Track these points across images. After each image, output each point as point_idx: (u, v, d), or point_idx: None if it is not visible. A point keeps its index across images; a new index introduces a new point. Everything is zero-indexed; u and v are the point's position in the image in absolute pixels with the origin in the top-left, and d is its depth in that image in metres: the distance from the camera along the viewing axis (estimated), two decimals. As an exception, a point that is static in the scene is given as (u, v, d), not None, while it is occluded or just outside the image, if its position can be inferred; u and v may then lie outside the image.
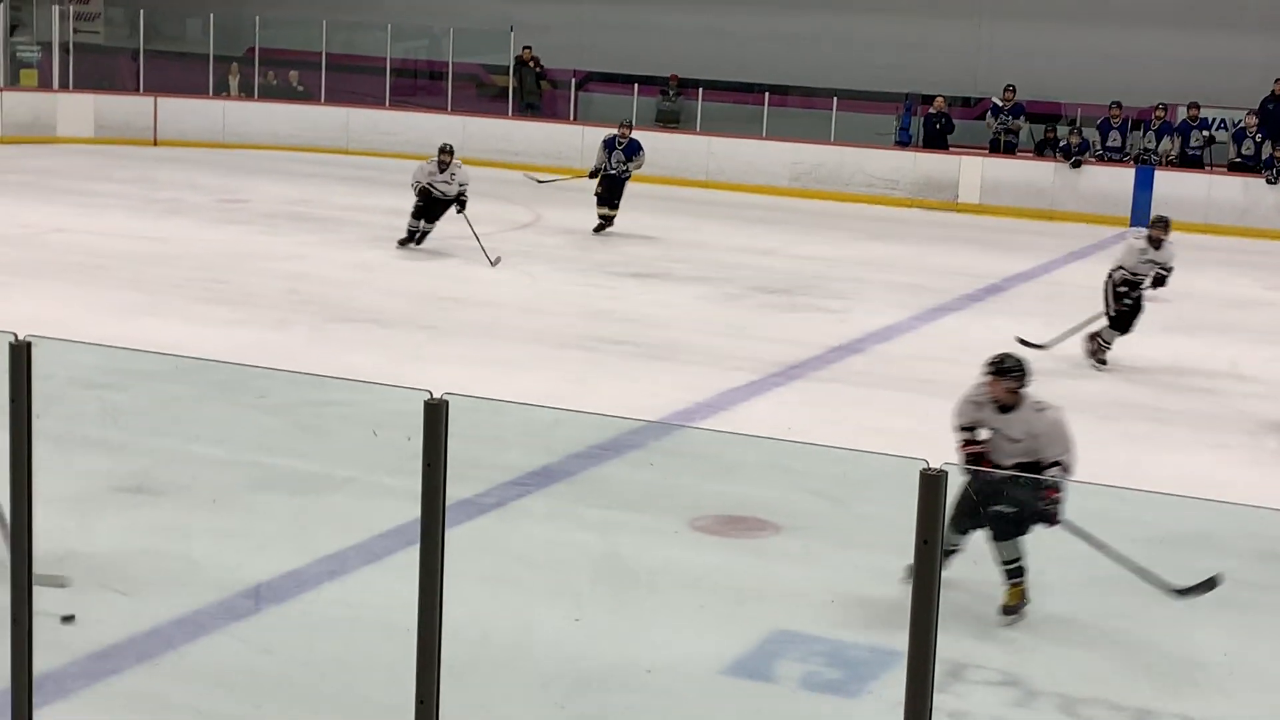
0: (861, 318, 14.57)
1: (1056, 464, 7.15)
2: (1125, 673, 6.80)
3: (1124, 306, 12.81)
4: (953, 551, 7.05)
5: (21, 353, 4.58)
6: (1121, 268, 12.86)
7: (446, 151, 16.92)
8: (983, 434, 7.39)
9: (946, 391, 11.71)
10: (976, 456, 7.32)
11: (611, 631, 6.77)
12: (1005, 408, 7.23)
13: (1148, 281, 12.86)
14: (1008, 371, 7.24)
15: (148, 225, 18.07)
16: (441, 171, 16.79)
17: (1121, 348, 13.76)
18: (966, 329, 14.47)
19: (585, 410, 9.96)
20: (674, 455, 9.82)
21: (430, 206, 16.88)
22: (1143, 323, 15.05)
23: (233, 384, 10.22)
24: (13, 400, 4.61)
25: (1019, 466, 7.29)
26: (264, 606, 7.03)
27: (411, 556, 4.46)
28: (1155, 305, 16.02)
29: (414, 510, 4.38)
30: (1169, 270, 12.89)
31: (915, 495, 3.82)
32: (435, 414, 4.29)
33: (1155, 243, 12.85)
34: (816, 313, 14.81)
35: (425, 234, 17.01)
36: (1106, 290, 12.95)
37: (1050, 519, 6.99)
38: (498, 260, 16.04)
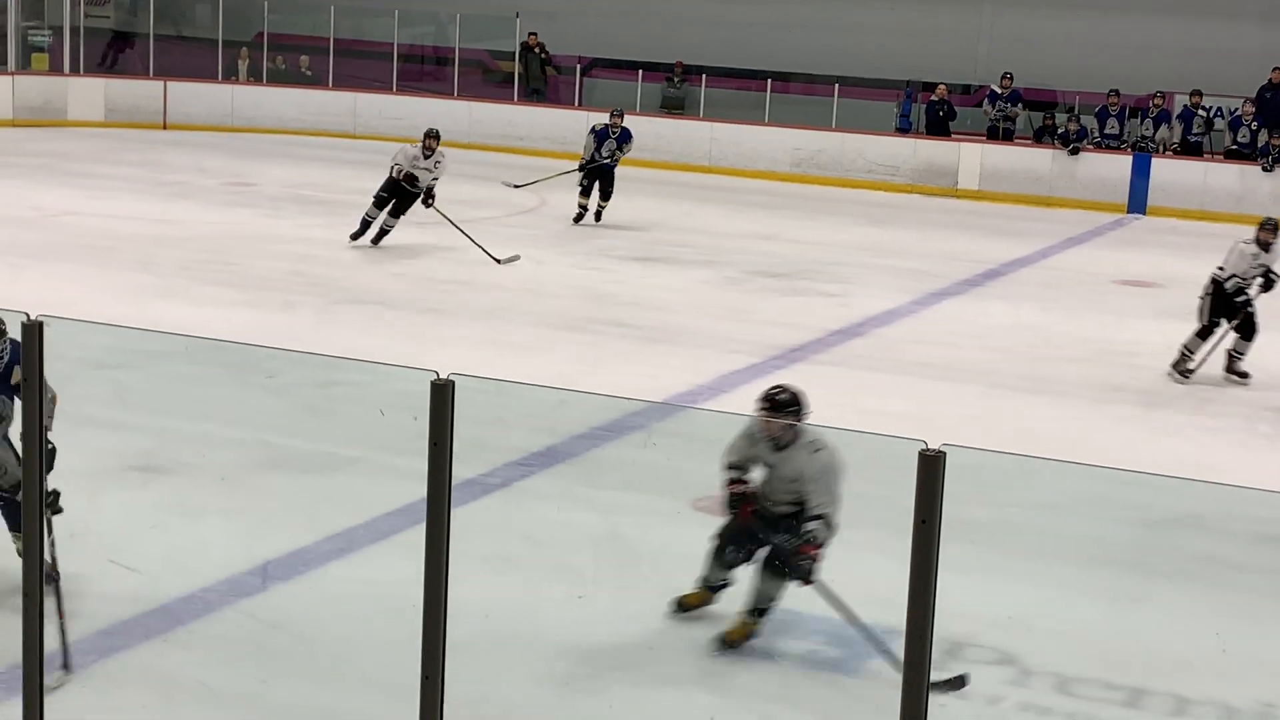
0: (861, 302, 14.65)
1: (818, 517, 6.47)
2: (1119, 652, 6.87)
3: (1248, 312, 12.21)
4: (722, 586, 6.76)
5: (33, 333, 4.64)
6: (1234, 275, 12.22)
7: (433, 137, 15.93)
8: (755, 473, 6.73)
9: (945, 375, 11.90)
10: (740, 497, 6.64)
11: (614, 610, 6.85)
12: (781, 444, 6.58)
13: (1255, 286, 12.35)
14: (782, 406, 6.57)
15: (157, 208, 18.14)
16: (426, 158, 15.80)
17: (1113, 331, 13.86)
18: (965, 313, 14.55)
19: (589, 391, 10.07)
20: (676, 436, 9.90)
21: (400, 199, 15.88)
22: (1138, 308, 15.18)
23: (241, 364, 10.30)
24: (25, 379, 4.68)
25: (792, 509, 6.61)
26: (271, 584, 7.11)
27: (417, 535, 4.52)
28: (1151, 291, 16.15)
29: (420, 490, 4.43)
30: (1276, 273, 12.39)
31: (914, 476, 3.88)
32: (441, 395, 4.35)
33: (1265, 245, 12.34)
34: (817, 297, 14.89)
35: (386, 231, 15.97)
36: (1207, 298, 12.31)
37: (803, 576, 6.49)
38: (511, 259, 15.38)
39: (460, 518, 4.52)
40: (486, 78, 27.79)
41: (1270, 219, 12.62)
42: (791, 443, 6.50)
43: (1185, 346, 12.26)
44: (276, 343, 11.12)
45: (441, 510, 4.43)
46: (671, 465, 9.20)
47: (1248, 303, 12.19)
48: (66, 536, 6.48)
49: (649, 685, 6.29)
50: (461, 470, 4.43)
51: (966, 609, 6.69)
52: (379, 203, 15.93)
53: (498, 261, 15.15)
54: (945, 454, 3.79)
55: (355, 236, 16.01)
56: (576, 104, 26.29)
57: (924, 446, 3.81)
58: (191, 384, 9.94)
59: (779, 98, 25.13)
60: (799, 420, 6.53)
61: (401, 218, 16.03)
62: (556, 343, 12.38)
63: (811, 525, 6.42)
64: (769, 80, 25.08)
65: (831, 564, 7.65)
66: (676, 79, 26.10)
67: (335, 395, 10.08)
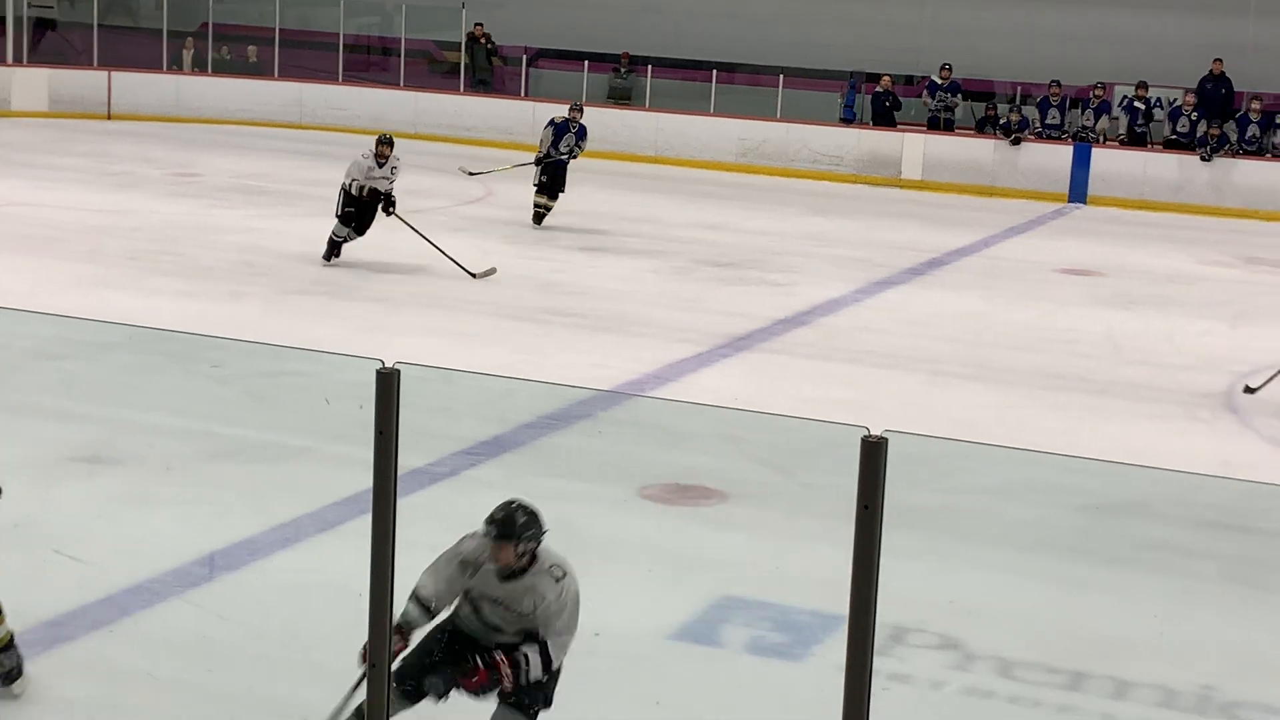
0: (807, 291, 14.73)
1: (543, 646, 5.27)
2: (1061, 636, 6.96)
3: None
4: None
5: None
6: None
7: (387, 144, 14.76)
8: (451, 607, 5.45)
9: (889, 363, 12.00)
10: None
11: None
12: (510, 574, 5.30)
13: None
14: (520, 531, 5.27)
15: (103, 198, 18.03)
16: (380, 166, 14.68)
17: (1055, 319, 14.00)
18: (908, 302, 14.66)
19: (536, 380, 10.10)
20: (623, 425, 9.96)
21: (363, 211, 14.71)
22: (1079, 296, 15.33)
23: (187, 355, 10.30)
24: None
25: (515, 639, 5.37)
26: (218, 574, 7.11)
27: (364, 524, 4.51)
28: (1092, 280, 16.31)
29: (367, 479, 4.42)
30: None
31: (857, 462, 3.92)
32: (387, 383, 4.35)
33: None
34: (763, 286, 14.96)
35: (339, 243, 14.81)
36: None
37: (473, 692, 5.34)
38: (488, 273, 14.49)
39: (408, 507, 4.53)
40: (432, 68, 27.75)
41: None
42: (525, 570, 5.29)
43: None
44: (224, 333, 11.10)
45: (387, 499, 4.43)
46: (618, 453, 9.26)
47: None
48: (11, 527, 6.48)
49: (595, 672, 6.31)
50: (409, 459, 4.44)
51: (910, 595, 6.77)
52: (346, 219, 14.72)
53: (473, 276, 14.37)
54: (887, 440, 3.82)
55: (327, 257, 14.75)
56: (523, 95, 26.29)
57: (867, 432, 3.84)
58: (138, 374, 9.93)
59: (724, 88, 25.22)
60: (538, 544, 5.31)
61: (366, 232, 14.81)
62: (504, 332, 12.40)
63: (528, 650, 5.26)
64: (714, 71, 25.16)
65: (775, 549, 7.75)
66: (623, 70, 26.13)
67: (283, 385, 10.08)
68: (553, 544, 5.32)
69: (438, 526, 7.25)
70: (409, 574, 4.79)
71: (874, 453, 3.83)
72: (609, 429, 9.76)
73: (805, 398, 10.61)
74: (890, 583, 3.97)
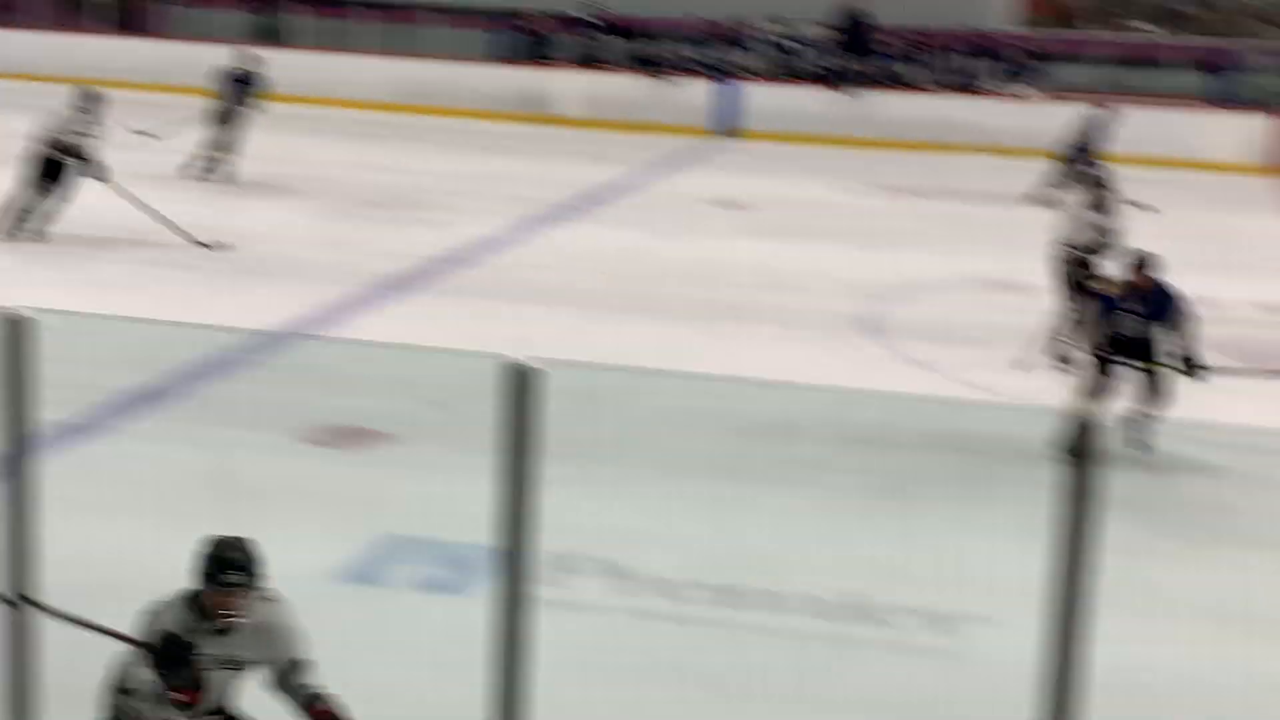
0: (466, 230, 14.76)
1: (297, 663, 4.65)
2: (718, 555, 7.19)
3: None
4: None
5: None
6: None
7: (92, 97, 13.50)
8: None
9: (550, 298, 12.15)
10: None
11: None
12: (233, 624, 4.55)
13: None
14: (242, 572, 4.50)
15: None
16: (81, 120, 13.31)
17: (709, 251, 14.36)
18: (568, 238, 14.84)
19: (185, 323, 9.88)
20: (282, 370, 9.84)
21: (61, 172, 13.25)
22: (732, 228, 15.75)
23: None
24: None
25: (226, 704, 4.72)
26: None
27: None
28: (743, 213, 16.76)
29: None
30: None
31: (517, 395, 3.96)
32: (18, 331, 4.20)
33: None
34: (423, 226, 14.93)
35: (35, 213, 13.32)
36: None
37: None
38: (222, 246, 13.26)
39: (57, 464, 4.41)
40: (68, 6, 26.62)
41: None
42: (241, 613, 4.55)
43: None
44: None
45: (22, 458, 4.30)
46: (280, 398, 9.15)
47: None
48: None
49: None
50: (54, 413, 4.32)
51: (572, 524, 6.89)
52: (43, 190, 13.25)
53: (207, 247, 13.17)
54: (539, 370, 3.87)
55: (11, 233, 13.24)
56: (171, 35, 25.46)
57: (521, 362, 3.87)
58: None
59: (378, 27, 24.94)
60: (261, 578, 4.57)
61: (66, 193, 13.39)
62: (158, 281, 12.09)
63: (317, 686, 4.66)
64: (367, 9, 24.85)
65: (441, 486, 7.78)
66: (271, 7, 25.57)
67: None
68: (212, 490, 5.23)
69: (90, 483, 7.06)
70: (67, 533, 4.64)
71: (528, 382, 3.89)
72: (269, 374, 9.63)
73: (468, 335, 10.63)
74: (551, 513, 4.05)
